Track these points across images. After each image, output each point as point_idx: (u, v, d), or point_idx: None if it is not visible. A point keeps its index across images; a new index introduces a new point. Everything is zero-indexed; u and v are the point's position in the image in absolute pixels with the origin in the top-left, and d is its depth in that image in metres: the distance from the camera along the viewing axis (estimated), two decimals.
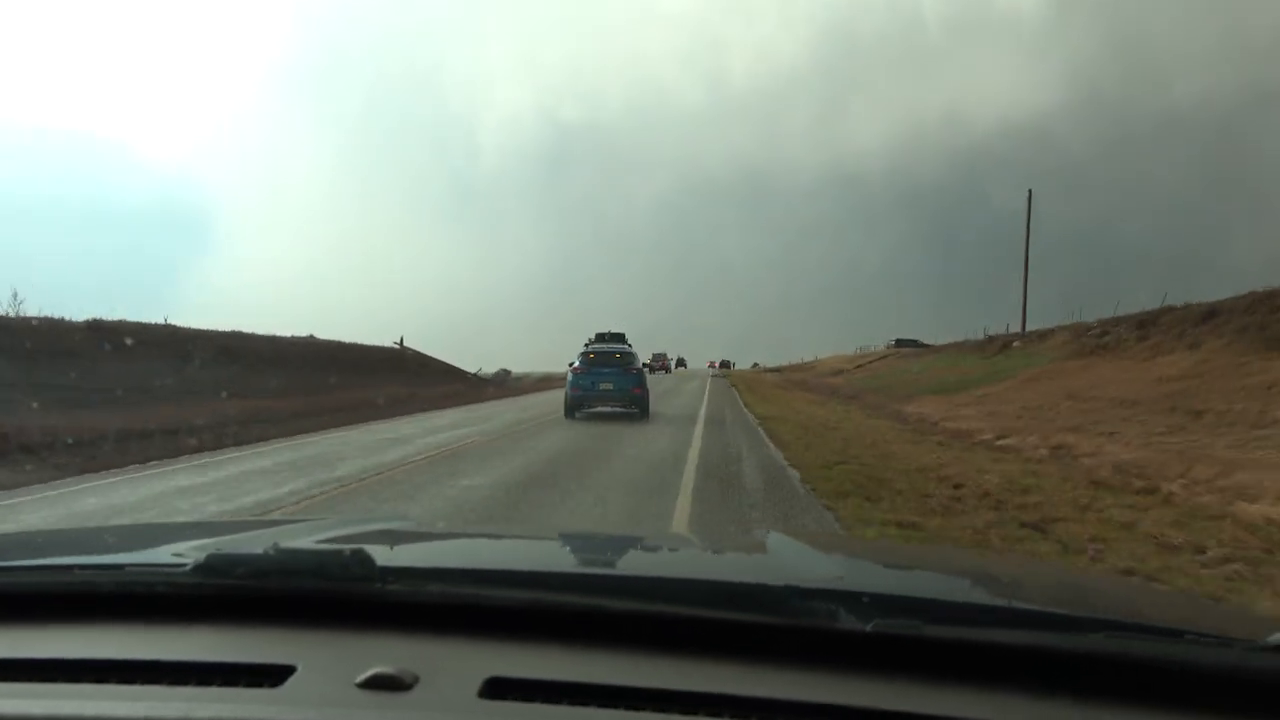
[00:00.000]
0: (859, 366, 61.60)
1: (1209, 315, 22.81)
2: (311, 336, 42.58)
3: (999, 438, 17.11)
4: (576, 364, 20.32)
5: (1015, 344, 37.46)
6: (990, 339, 41.86)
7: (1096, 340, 27.94)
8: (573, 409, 19.73)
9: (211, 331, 31.20)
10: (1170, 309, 25.94)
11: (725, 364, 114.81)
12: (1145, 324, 26.15)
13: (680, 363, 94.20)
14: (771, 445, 13.63)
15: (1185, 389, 17.25)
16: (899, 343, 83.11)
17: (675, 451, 12.75)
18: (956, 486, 9.77)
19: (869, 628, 1.23)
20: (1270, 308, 20.44)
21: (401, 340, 51.72)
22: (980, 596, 1.76)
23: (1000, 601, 1.66)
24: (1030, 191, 48.88)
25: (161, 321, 29.23)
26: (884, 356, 62.92)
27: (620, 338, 23.47)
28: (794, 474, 10.64)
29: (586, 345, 21.85)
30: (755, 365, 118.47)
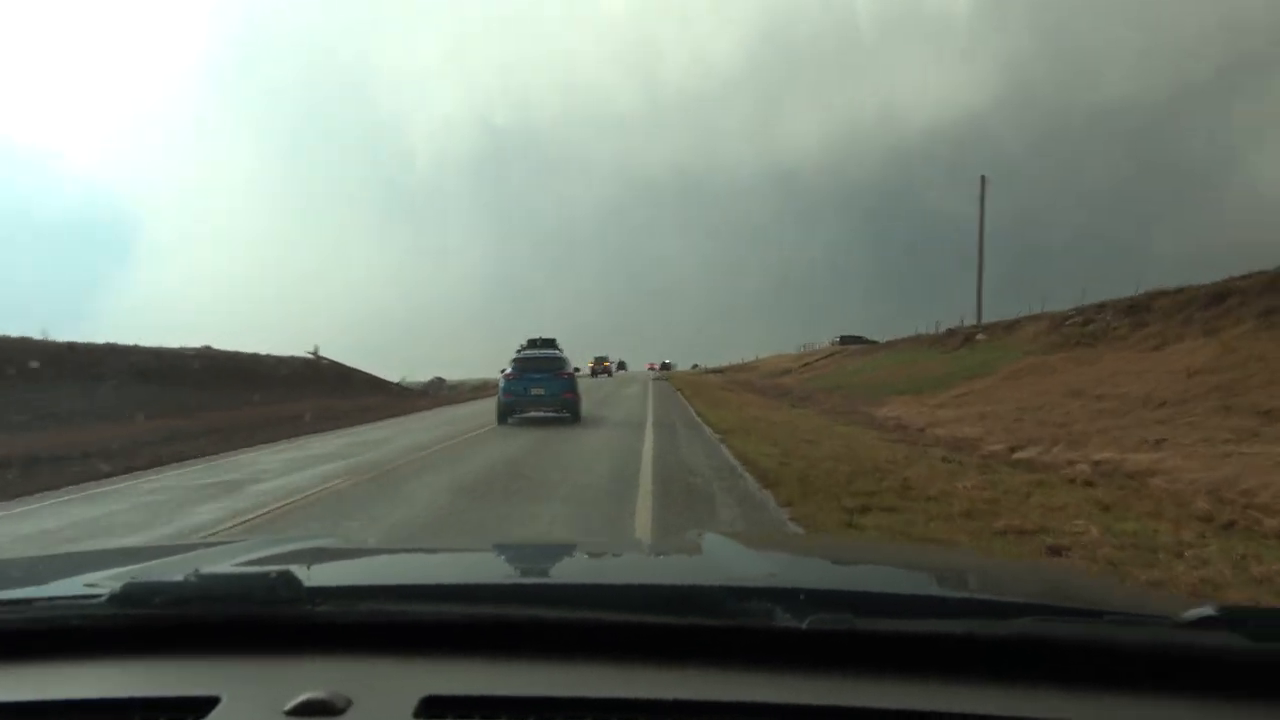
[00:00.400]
0: (805, 365, 58.82)
1: (1217, 298, 20.05)
2: (207, 347, 37.96)
3: (1013, 449, 13.90)
4: (509, 370, 20.25)
5: (979, 337, 34.75)
6: (950, 332, 39.16)
7: (1080, 329, 25.15)
8: (505, 415, 19.76)
9: (120, 346, 27.95)
10: (1163, 292, 23.23)
11: (666, 366, 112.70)
12: (1137, 310, 23.38)
13: (621, 366, 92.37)
14: (750, 478, 10.07)
15: (1226, 383, 14.25)
16: (844, 340, 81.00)
17: (620, 493, 9.17)
18: (1055, 553, 6.37)
19: (805, 625, 1.24)
20: None
21: (316, 350, 47.19)
22: (911, 587, 1.77)
23: (931, 591, 1.71)
24: (984, 178, 46.62)
25: (73, 340, 25.72)
26: (831, 354, 60.24)
27: (551, 343, 23.04)
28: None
29: (518, 351, 21.67)
30: (695, 366, 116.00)
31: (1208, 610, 1.28)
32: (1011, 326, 32.71)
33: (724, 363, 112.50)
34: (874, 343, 76.14)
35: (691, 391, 40.81)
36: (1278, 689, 1.21)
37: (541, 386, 19.91)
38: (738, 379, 62.12)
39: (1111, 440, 13.03)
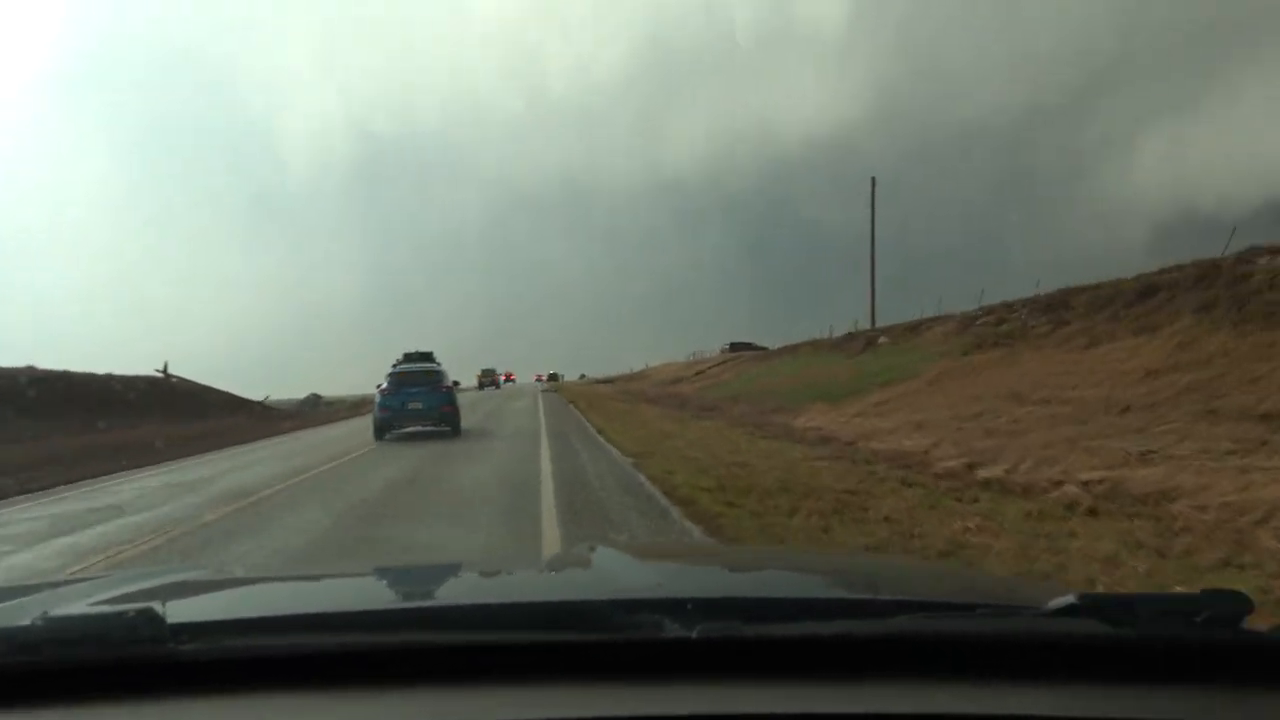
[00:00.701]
0: (699, 374, 57.12)
1: (1143, 294, 18.84)
2: (31, 366, 32.96)
3: (971, 466, 11.92)
4: (384, 385, 19.85)
5: (881, 340, 33.46)
6: (849, 336, 37.87)
7: (994, 329, 23.82)
8: (382, 430, 19.29)
9: None
10: (1081, 289, 22.08)
11: (553, 376, 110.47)
12: (1055, 307, 22.14)
13: (508, 378, 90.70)
14: (693, 526, 7.54)
15: (1198, 383, 12.68)
16: (734, 346, 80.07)
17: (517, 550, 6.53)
18: None
19: (694, 634, 1.23)
20: (1231, 279, 16.46)
21: (166, 369, 42.32)
22: (796, 591, 1.82)
23: (814, 594, 1.75)
24: (873, 180, 45.93)
25: None
26: (723, 362, 58.74)
27: (428, 356, 22.25)
28: None
29: (394, 365, 21.02)
30: (582, 376, 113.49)
31: (1070, 599, 1.32)
32: (915, 328, 31.49)
33: (613, 373, 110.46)
34: (765, 349, 75.40)
35: (586, 404, 38.21)
36: (1134, 672, 1.25)
37: (419, 400, 19.55)
38: (629, 389, 59.90)
39: (1086, 452, 11.19)
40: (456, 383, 23.00)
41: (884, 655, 1.27)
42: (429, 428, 19.75)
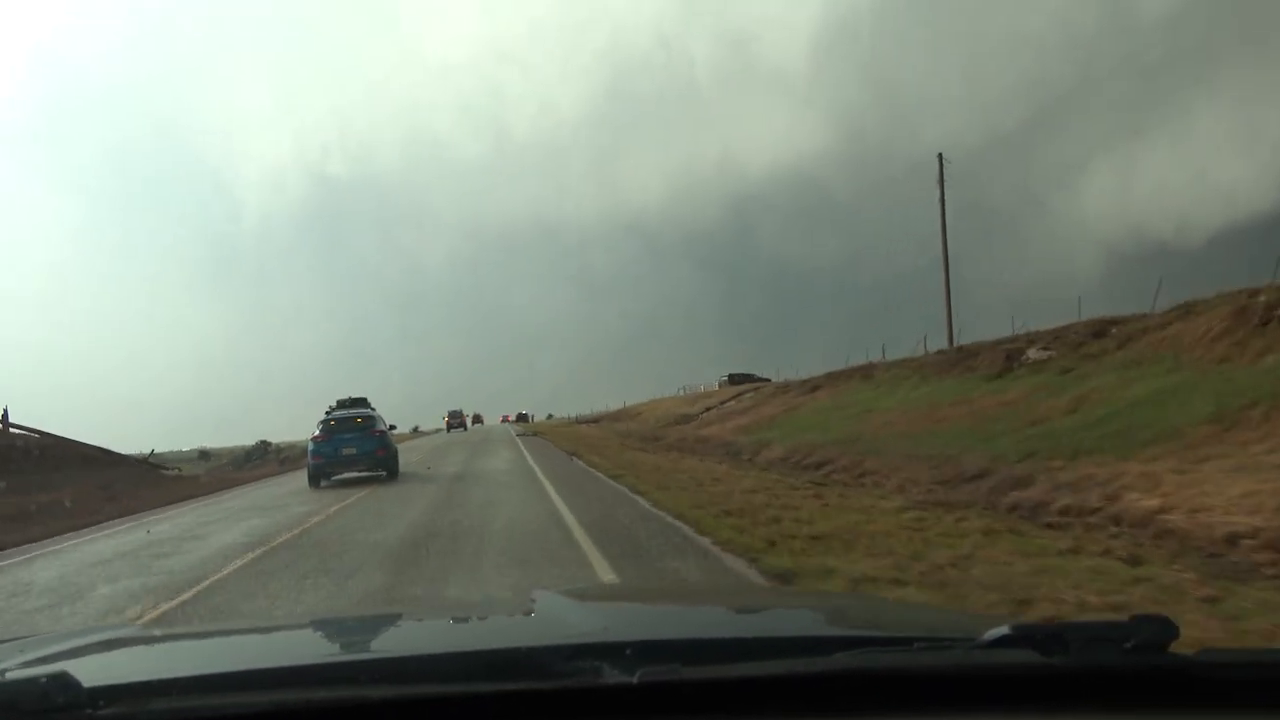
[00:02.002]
0: (709, 410, 46.05)
1: None
2: None
3: None
4: (317, 432, 19.58)
5: (1030, 355, 22.50)
6: (962, 352, 26.87)
7: None
8: (316, 478, 19.09)
9: None
10: None
11: (522, 417, 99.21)
12: None
13: (476, 419, 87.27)
14: None
15: None
16: (732, 378, 69.27)
17: None
18: None
19: (636, 679, 1.21)
20: None
21: (4, 415, 30.15)
22: (736, 631, 1.79)
23: (754, 634, 1.70)
24: (940, 156, 35.54)
25: None
26: (738, 395, 47.45)
27: (363, 402, 21.58)
28: None
29: (327, 412, 20.50)
30: (550, 416, 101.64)
31: (1004, 630, 1.32)
32: (1100, 332, 20.52)
33: (585, 411, 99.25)
34: (765, 380, 64.98)
35: (587, 447, 26.92)
36: (1067, 699, 1.25)
37: (353, 446, 19.17)
38: (625, 430, 48.64)
39: None
40: (393, 427, 22.51)
41: (825, 693, 1.26)
42: (363, 473, 19.44)
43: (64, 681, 1.13)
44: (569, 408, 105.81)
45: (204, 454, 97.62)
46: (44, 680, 1.14)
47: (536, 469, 20.12)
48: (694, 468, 19.22)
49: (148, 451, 36.67)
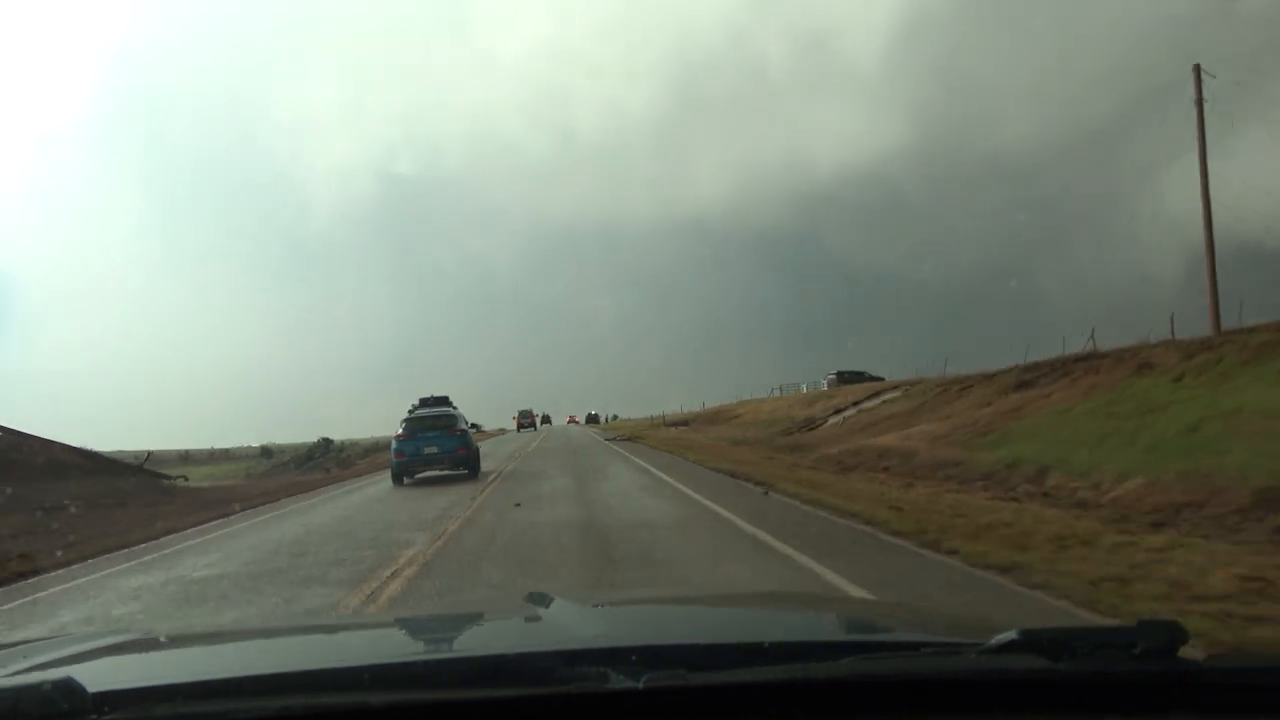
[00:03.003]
0: (838, 412, 36.84)
1: None
2: None
3: None
4: (400, 430, 19.57)
5: None
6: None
7: None
8: (399, 475, 19.14)
9: None
10: None
11: (593, 418, 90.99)
12: None
13: (544, 419, 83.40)
14: None
15: None
16: (841, 376, 59.87)
17: None
18: None
19: (641, 684, 1.19)
20: None
21: None
22: (743, 635, 1.74)
23: (761, 638, 1.59)
24: (1197, 68, 25.88)
25: None
26: (873, 394, 37.93)
27: (444, 401, 21.63)
28: None
29: (410, 411, 20.63)
30: (615, 418, 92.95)
31: (1011, 635, 1.30)
32: None
33: (653, 411, 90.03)
34: (878, 378, 55.65)
35: (740, 466, 18.17)
36: (1074, 704, 1.24)
37: (434, 445, 19.16)
38: (731, 434, 39.81)
39: None
40: (475, 426, 25.72)
41: (832, 698, 1.25)
42: (445, 471, 19.41)
43: (68, 686, 1.14)
44: (630, 409, 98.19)
45: (266, 451, 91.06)
46: (48, 685, 1.14)
47: (718, 508, 11.31)
48: (968, 506, 10.41)
49: (145, 453, 28.48)
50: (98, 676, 1.26)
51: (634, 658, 1.26)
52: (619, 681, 1.20)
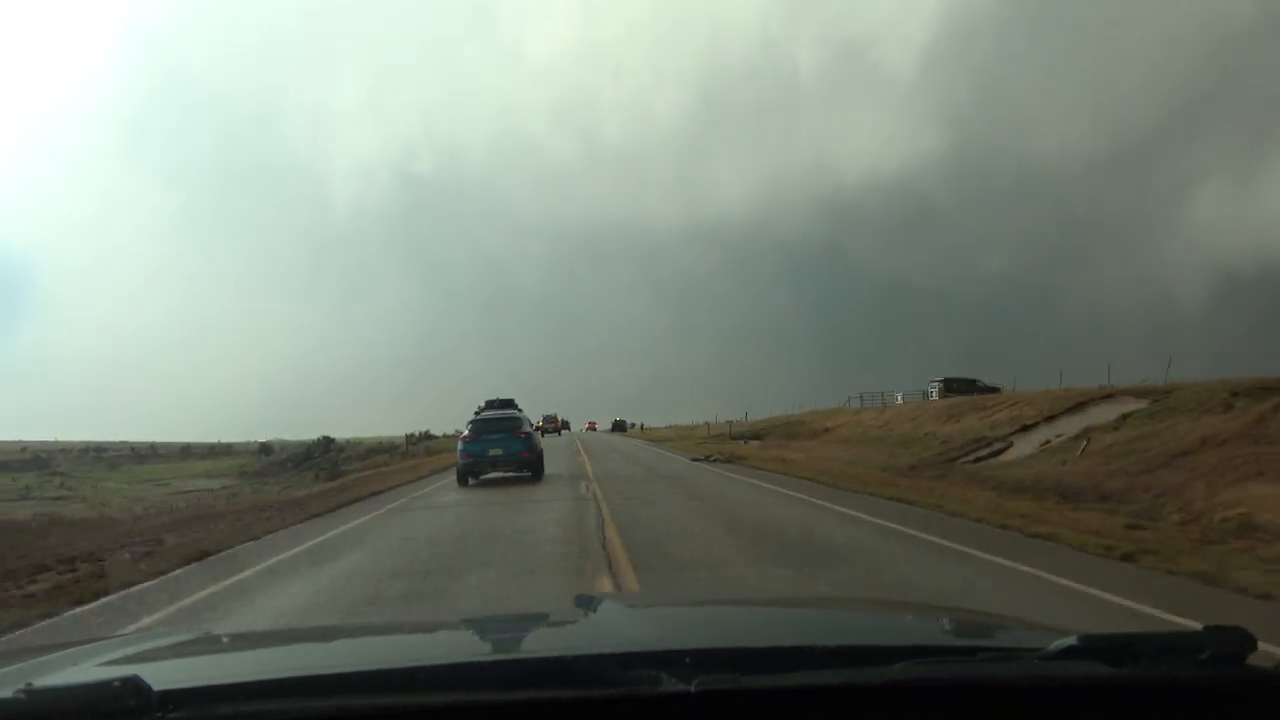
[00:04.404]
0: (1022, 429, 25.89)
1: None
2: None
3: None
4: (466, 432, 19.69)
5: None
6: None
7: None
8: (465, 476, 18.95)
9: None
10: None
11: (619, 425, 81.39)
12: None
13: (565, 425, 76.91)
14: None
15: None
16: (949, 384, 48.96)
17: None
18: None
19: (693, 687, 1.18)
20: None
21: None
22: (795, 639, 1.70)
23: (814, 642, 1.57)
24: None
25: None
26: (1075, 408, 26.96)
27: (509, 403, 22.35)
28: None
29: (476, 413, 21.08)
30: (641, 426, 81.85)
31: (1071, 641, 1.27)
32: None
33: (677, 420, 79.50)
34: (991, 389, 44.98)
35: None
36: (1137, 712, 1.21)
37: (499, 447, 18.99)
38: (846, 455, 29.11)
39: None
40: (538, 427, 25.24)
41: (886, 703, 1.23)
42: (509, 473, 19.12)
43: (135, 685, 1.15)
44: (648, 417, 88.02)
45: (265, 448, 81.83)
46: (117, 684, 1.15)
47: None
48: None
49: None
50: (162, 675, 1.27)
51: (688, 660, 1.24)
52: (671, 684, 1.19)
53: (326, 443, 74.89)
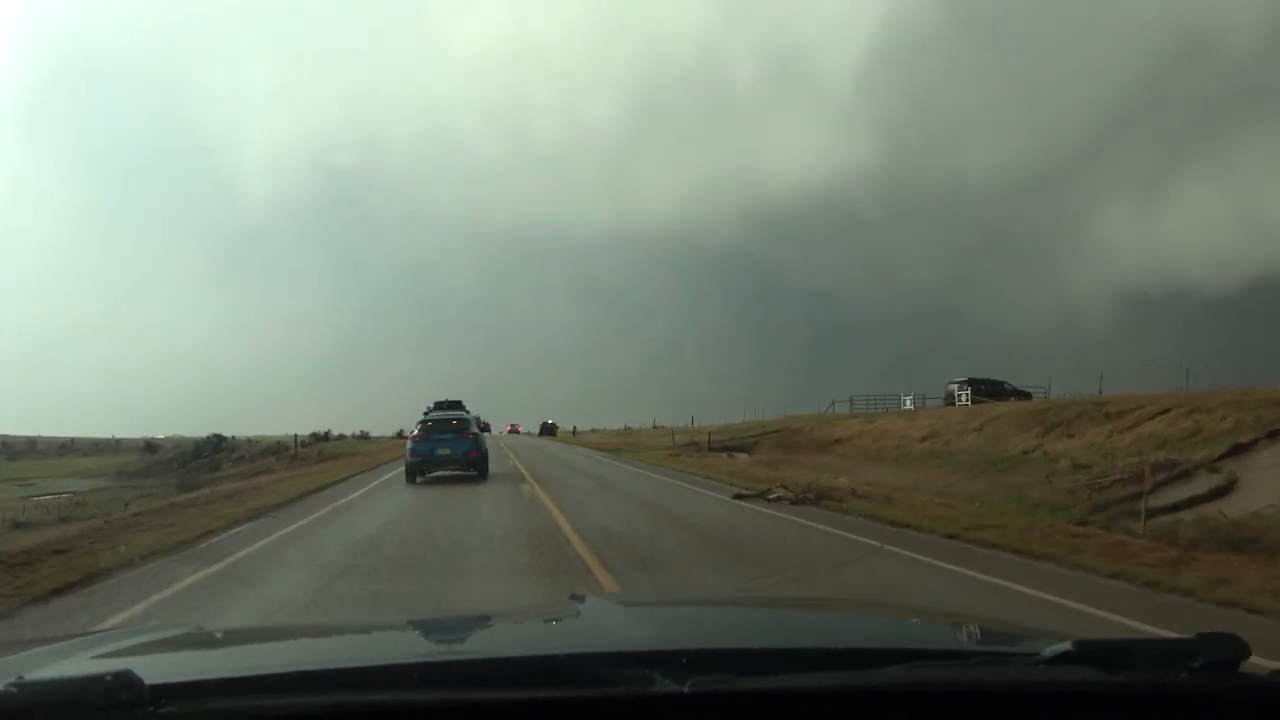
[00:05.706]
0: (1237, 451, 15.71)
1: None
2: None
3: None
4: (415, 431, 20.04)
5: None
6: None
7: None
8: (413, 474, 19.15)
9: None
10: None
11: (548, 428, 72.31)
12: None
13: (485, 427, 55.58)
14: None
15: None
16: (975, 385, 39.11)
17: None
18: None
19: (686, 688, 1.17)
20: None
21: None
22: (789, 641, 1.71)
23: (808, 644, 1.60)
24: None
25: None
26: (1162, 409, 16.76)
27: (458, 405, 22.04)
28: None
29: (425, 413, 20.95)
30: (574, 431, 71.20)
31: (1065, 646, 1.25)
32: None
33: (615, 424, 71.56)
34: (1023, 393, 36.23)
35: None
36: (1130, 717, 1.20)
37: (447, 447, 19.28)
38: (941, 484, 18.46)
39: None
40: (486, 428, 26.01)
41: (879, 706, 1.21)
42: (456, 472, 19.37)
43: (127, 678, 1.13)
44: (578, 420, 78.75)
45: (150, 445, 75.99)
46: (109, 677, 1.13)
47: None
48: None
49: None
50: (155, 669, 1.28)
51: (683, 661, 1.22)
52: (664, 685, 1.17)
53: (217, 441, 66.05)
